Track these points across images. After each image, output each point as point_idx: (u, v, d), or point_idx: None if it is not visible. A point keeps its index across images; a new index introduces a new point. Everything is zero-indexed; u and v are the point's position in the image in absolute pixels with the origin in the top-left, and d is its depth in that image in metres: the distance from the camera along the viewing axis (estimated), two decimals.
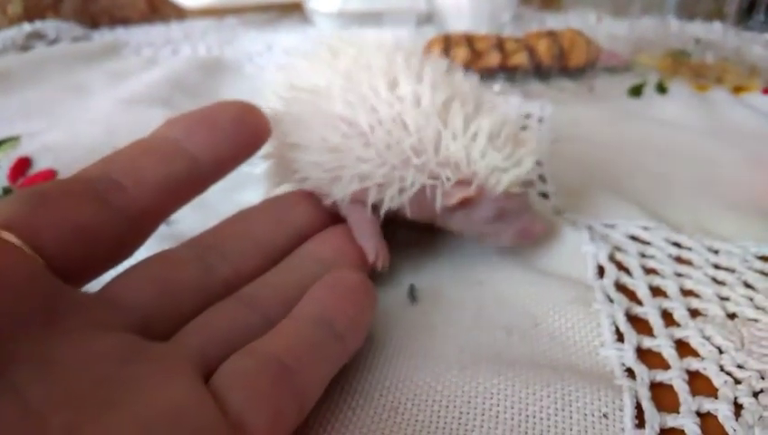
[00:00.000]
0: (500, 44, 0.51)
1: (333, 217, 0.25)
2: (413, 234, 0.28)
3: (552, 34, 0.52)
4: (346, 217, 0.24)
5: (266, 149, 0.24)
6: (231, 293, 0.20)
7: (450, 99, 0.23)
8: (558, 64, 0.51)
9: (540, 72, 0.51)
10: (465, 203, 0.23)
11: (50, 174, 0.33)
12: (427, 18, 0.70)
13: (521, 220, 0.24)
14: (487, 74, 0.51)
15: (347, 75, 0.24)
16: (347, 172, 0.23)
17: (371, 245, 0.24)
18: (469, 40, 0.52)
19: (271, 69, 0.27)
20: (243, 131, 0.21)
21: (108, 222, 0.18)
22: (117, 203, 0.18)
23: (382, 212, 0.24)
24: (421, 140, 0.22)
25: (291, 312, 0.19)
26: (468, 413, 0.19)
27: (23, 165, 0.34)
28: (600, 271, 0.25)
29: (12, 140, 0.37)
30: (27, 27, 0.62)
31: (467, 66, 0.50)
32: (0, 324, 0.14)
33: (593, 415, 0.19)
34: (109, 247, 0.18)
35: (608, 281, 0.24)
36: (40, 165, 0.34)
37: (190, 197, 0.21)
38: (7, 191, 0.32)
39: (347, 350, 0.19)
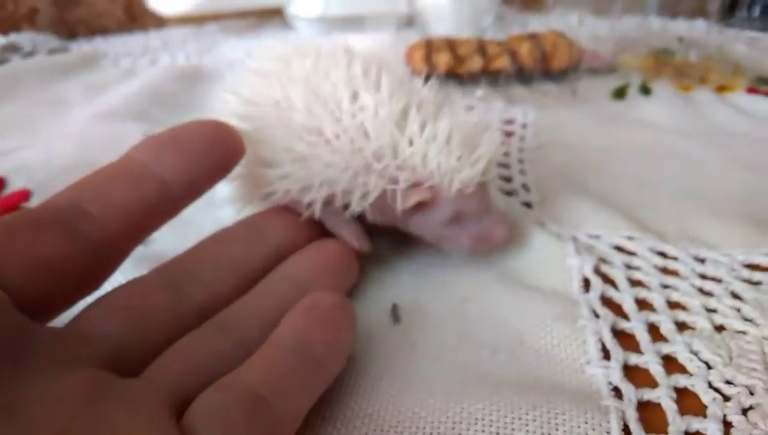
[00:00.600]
0: (482, 48, 0.51)
1: (309, 235, 0.24)
2: (394, 251, 0.27)
3: (533, 37, 0.51)
4: (324, 221, 0.25)
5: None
6: (206, 318, 0.19)
7: (408, 106, 0.24)
8: (540, 67, 0.51)
9: (522, 75, 0.51)
10: (422, 205, 0.23)
11: (24, 194, 0.33)
12: (409, 21, 0.69)
13: (480, 224, 0.25)
14: (470, 79, 0.50)
15: (306, 86, 0.24)
16: (315, 179, 0.23)
17: (351, 231, 0.25)
18: (451, 45, 0.51)
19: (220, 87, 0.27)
20: (214, 152, 0.20)
21: (76, 253, 0.17)
22: (85, 232, 0.17)
23: (347, 216, 0.24)
24: (381, 147, 0.23)
25: (268, 338, 0.18)
26: None
27: None
28: (586, 284, 0.25)
29: None
30: (2, 40, 0.61)
31: (450, 71, 0.50)
32: None
33: None
34: (77, 279, 0.17)
35: (593, 295, 0.24)
36: (14, 185, 0.34)
37: (162, 221, 0.20)
38: None
39: (327, 375, 0.19)
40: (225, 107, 0.26)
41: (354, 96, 0.24)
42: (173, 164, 0.19)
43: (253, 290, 0.21)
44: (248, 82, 0.26)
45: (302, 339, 0.18)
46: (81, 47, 0.66)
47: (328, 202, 0.24)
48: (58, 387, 0.14)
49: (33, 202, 0.32)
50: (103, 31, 0.72)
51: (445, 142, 0.23)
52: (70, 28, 0.71)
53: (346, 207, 0.24)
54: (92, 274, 0.18)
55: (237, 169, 0.24)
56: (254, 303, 0.20)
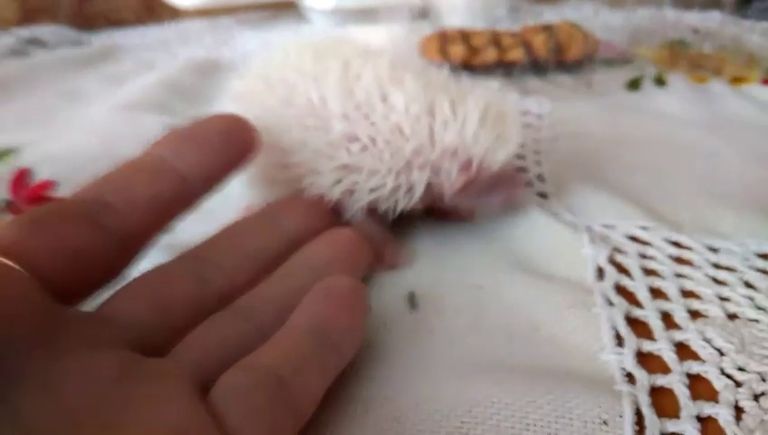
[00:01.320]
0: (496, 40, 0.51)
1: (324, 224, 0.25)
2: (410, 239, 0.28)
3: (548, 28, 0.51)
4: (359, 228, 0.25)
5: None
6: (226, 304, 0.20)
7: (434, 94, 0.25)
8: (555, 59, 0.51)
9: (537, 66, 0.51)
10: (467, 185, 0.25)
11: (49, 184, 0.33)
12: (422, 13, 0.69)
13: (504, 188, 0.27)
14: (484, 71, 0.51)
15: (340, 89, 0.25)
16: (360, 187, 0.25)
17: (394, 248, 0.27)
18: (465, 36, 0.51)
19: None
20: (231, 146, 0.21)
21: (101, 244, 0.18)
22: (109, 225, 0.18)
23: (394, 215, 0.26)
24: (418, 141, 0.24)
25: (285, 322, 0.19)
26: (469, 422, 0.19)
27: (23, 176, 0.34)
28: (600, 273, 0.25)
29: (11, 151, 0.37)
30: (23, 32, 0.62)
31: (464, 63, 0.50)
32: None
33: (593, 422, 0.19)
34: (102, 268, 0.18)
35: (607, 284, 0.24)
36: (40, 175, 0.34)
37: (181, 214, 0.21)
38: (10, 204, 0.32)
39: (342, 358, 0.19)
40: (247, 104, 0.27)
41: (384, 96, 0.25)
42: (192, 159, 0.20)
43: (270, 277, 0.22)
44: (272, 82, 0.27)
45: (319, 322, 0.19)
46: (99, 40, 0.67)
47: (371, 206, 0.25)
48: (89, 365, 0.15)
49: (59, 192, 0.33)
50: (121, 24, 0.73)
51: (478, 120, 0.24)
52: (89, 21, 0.72)
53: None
54: (116, 264, 0.19)
55: (266, 172, 0.25)
56: (272, 289, 0.21)
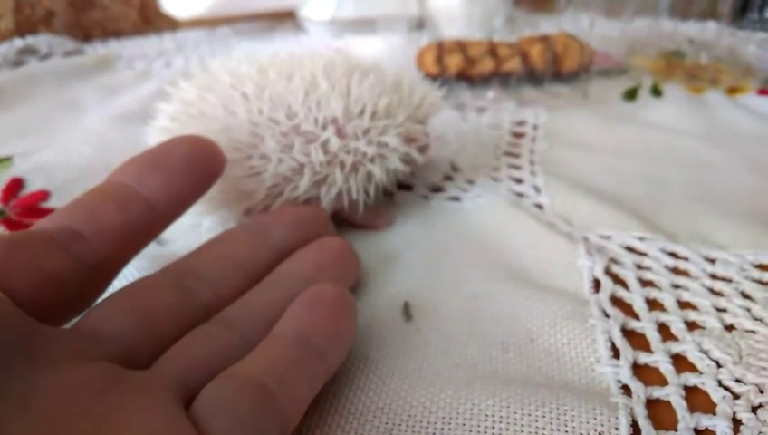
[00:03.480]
0: (493, 50, 0.51)
1: (311, 234, 0.25)
2: (406, 248, 0.28)
3: (544, 39, 0.51)
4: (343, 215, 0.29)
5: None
6: (212, 316, 0.20)
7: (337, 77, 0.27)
8: (551, 69, 0.51)
9: (534, 77, 0.51)
10: (338, 212, 0.28)
11: (42, 195, 0.33)
12: (420, 24, 0.69)
13: (368, 222, 0.30)
14: (481, 81, 0.51)
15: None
16: (329, 182, 0.27)
17: (371, 212, 0.30)
18: (462, 47, 0.51)
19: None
20: (196, 168, 0.21)
21: (73, 271, 0.18)
22: (80, 253, 0.18)
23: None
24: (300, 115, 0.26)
25: (270, 331, 0.19)
26: None
27: (15, 186, 0.34)
28: (596, 285, 0.25)
29: (4, 161, 0.37)
30: (19, 42, 0.62)
31: (461, 73, 0.50)
32: None
33: (589, 434, 0.18)
34: (74, 295, 0.18)
35: (603, 295, 0.24)
36: (33, 186, 0.34)
37: (150, 239, 0.21)
38: (0, 213, 0.31)
39: (329, 366, 0.19)
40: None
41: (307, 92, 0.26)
42: (157, 185, 0.20)
43: (256, 287, 0.21)
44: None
45: (305, 330, 0.19)
46: (96, 50, 0.66)
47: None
48: (70, 379, 0.15)
49: (52, 202, 0.33)
50: (118, 34, 0.73)
51: (368, 91, 0.27)
52: (85, 31, 0.72)
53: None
54: (87, 291, 0.19)
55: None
56: (258, 298, 0.21)
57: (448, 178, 0.35)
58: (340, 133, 0.26)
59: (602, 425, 0.18)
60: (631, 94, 0.50)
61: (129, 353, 0.17)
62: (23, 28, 0.66)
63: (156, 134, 0.27)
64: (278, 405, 0.17)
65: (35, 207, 0.32)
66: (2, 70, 0.57)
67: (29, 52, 0.62)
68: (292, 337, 0.18)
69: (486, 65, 0.50)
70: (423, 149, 0.29)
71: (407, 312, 0.24)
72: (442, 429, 0.19)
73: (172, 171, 0.21)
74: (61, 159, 0.37)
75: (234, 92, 0.26)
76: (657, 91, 0.50)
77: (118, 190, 0.20)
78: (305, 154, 0.25)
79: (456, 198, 0.33)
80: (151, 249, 0.23)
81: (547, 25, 0.66)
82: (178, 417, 0.15)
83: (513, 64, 0.50)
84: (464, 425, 0.19)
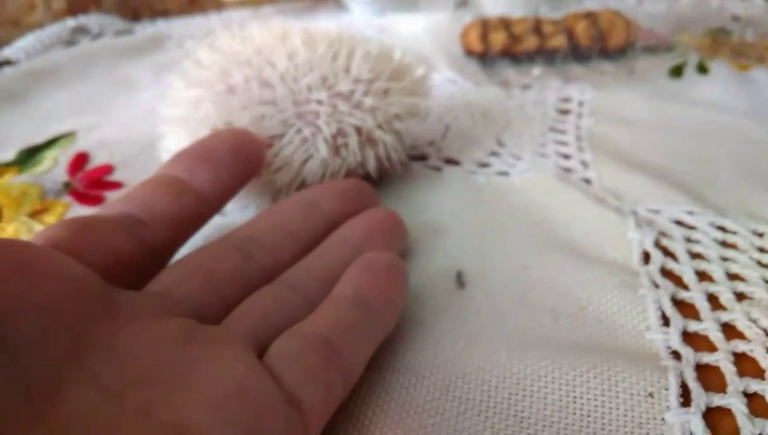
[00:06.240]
0: (537, 27, 0.51)
1: (363, 205, 0.26)
2: (456, 220, 0.29)
3: (590, 16, 0.51)
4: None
5: None
6: (270, 280, 0.21)
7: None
8: (597, 46, 0.50)
9: (579, 54, 0.51)
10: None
11: (107, 168, 0.35)
12: (463, 2, 0.69)
13: None
14: (526, 58, 0.51)
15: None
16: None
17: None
18: (506, 24, 0.52)
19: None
20: (241, 160, 0.24)
21: (136, 252, 0.20)
22: (142, 236, 0.20)
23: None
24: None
25: (330, 294, 0.20)
26: (518, 395, 0.20)
27: (81, 160, 0.36)
28: (646, 257, 0.26)
29: (68, 136, 0.39)
30: (71, 22, 0.64)
31: (505, 51, 0.50)
32: (66, 316, 0.15)
33: (639, 394, 0.19)
34: (135, 274, 0.20)
35: (653, 267, 0.25)
36: (97, 160, 0.36)
37: (198, 228, 0.23)
38: (67, 186, 0.33)
39: (384, 327, 0.20)
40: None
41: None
42: (206, 178, 0.23)
43: (312, 253, 0.23)
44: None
45: (362, 293, 0.20)
46: (144, 29, 0.68)
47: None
48: (152, 333, 0.16)
49: (116, 176, 0.34)
50: (165, 13, 0.75)
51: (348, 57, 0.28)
52: (134, 10, 0.74)
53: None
54: (147, 271, 0.20)
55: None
56: (315, 263, 0.22)
57: (494, 153, 0.36)
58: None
59: (652, 386, 0.19)
60: (677, 71, 0.49)
61: (199, 313, 0.19)
62: (74, 7, 0.68)
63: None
64: (343, 361, 0.18)
65: (100, 180, 0.34)
66: (56, 49, 0.59)
67: (81, 31, 0.64)
68: (351, 299, 0.20)
69: (531, 42, 0.50)
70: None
71: (460, 280, 0.25)
72: (497, 387, 0.20)
73: (219, 165, 0.23)
74: (122, 135, 0.39)
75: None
76: (703, 69, 0.49)
77: (170, 183, 0.22)
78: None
79: (504, 173, 0.33)
80: (215, 220, 0.25)
81: (592, 2, 0.65)
82: (257, 366, 0.16)
83: (558, 41, 0.50)
84: (517, 384, 0.20)
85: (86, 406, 0.14)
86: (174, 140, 0.28)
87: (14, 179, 0.34)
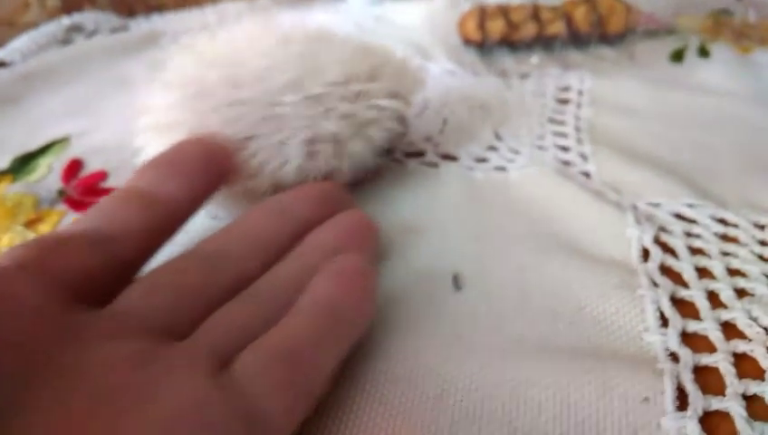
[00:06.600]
0: (536, 14, 0.50)
1: (331, 210, 0.25)
2: (453, 220, 0.28)
3: (589, 1, 0.50)
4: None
5: None
6: (239, 292, 0.21)
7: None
8: (596, 32, 0.50)
9: (578, 40, 0.50)
10: None
11: (101, 175, 0.35)
12: None
13: None
14: (524, 46, 0.50)
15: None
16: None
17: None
18: (504, 11, 0.51)
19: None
20: (209, 169, 0.24)
21: (106, 266, 0.20)
22: (110, 251, 0.20)
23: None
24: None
25: (297, 301, 0.20)
26: (512, 402, 0.19)
27: (75, 167, 0.35)
28: (645, 254, 0.25)
29: (62, 142, 0.38)
30: (66, 20, 0.63)
31: (504, 39, 0.50)
32: (20, 339, 0.15)
33: (634, 399, 0.19)
34: (106, 290, 0.19)
35: (652, 265, 0.24)
36: (91, 166, 0.36)
37: (169, 238, 0.23)
38: (62, 193, 0.33)
39: (352, 334, 0.20)
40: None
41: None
42: (174, 188, 0.22)
43: (281, 261, 0.22)
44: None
45: (330, 298, 0.20)
46: (139, 25, 0.68)
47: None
48: (109, 352, 0.16)
49: (110, 182, 0.34)
50: (160, 8, 0.74)
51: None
52: (129, 6, 0.73)
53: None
54: (116, 286, 0.20)
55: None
56: (283, 272, 0.22)
57: (492, 148, 0.35)
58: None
59: (648, 390, 0.19)
60: (678, 56, 0.48)
61: (164, 328, 0.18)
62: (69, 5, 0.67)
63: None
64: (307, 370, 0.18)
65: (95, 187, 0.34)
66: (51, 49, 0.59)
67: (76, 29, 0.63)
68: (317, 306, 0.19)
69: (529, 30, 0.50)
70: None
71: (456, 282, 0.25)
72: (491, 394, 0.20)
73: (188, 175, 0.23)
74: (116, 139, 0.38)
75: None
76: (704, 52, 0.49)
77: (139, 195, 0.22)
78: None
79: (502, 168, 0.33)
80: (207, 223, 0.26)
81: None
82: (214, 382, 0.16)
83: (557, 28, 0.49)
84: (512, 391, 0.20)
85: (43, 431, 0.14)
86: (152, 148, 0.27)
87: (8, 189, 0.33)
